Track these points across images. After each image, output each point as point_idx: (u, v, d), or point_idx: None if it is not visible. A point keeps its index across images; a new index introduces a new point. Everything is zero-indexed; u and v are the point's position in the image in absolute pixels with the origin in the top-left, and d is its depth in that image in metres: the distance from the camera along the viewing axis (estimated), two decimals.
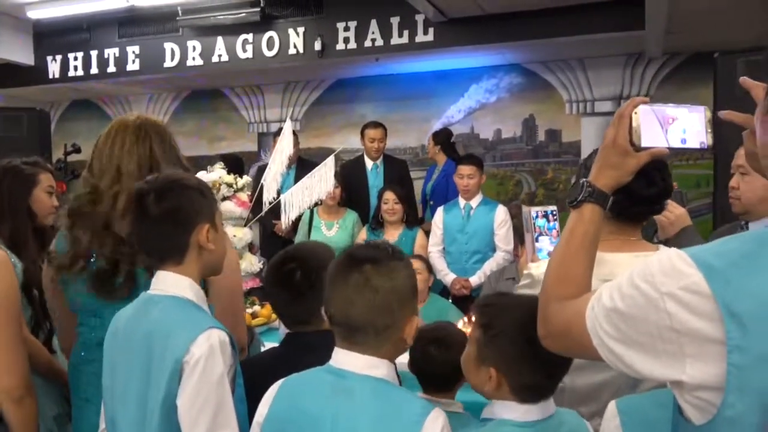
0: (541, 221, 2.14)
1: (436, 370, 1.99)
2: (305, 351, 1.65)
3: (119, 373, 1.48)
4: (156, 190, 1.48)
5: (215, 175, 3.79)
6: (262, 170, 4.17)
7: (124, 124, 1.86)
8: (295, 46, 6.35)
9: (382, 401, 1.29)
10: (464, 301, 4.32)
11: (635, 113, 1.23)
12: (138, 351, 1.42)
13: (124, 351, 1.47)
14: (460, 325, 3.38)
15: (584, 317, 1.07)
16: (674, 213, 2.37)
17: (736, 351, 0.86)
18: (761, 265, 0.88)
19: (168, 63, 6.88)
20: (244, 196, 3.88)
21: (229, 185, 3.81)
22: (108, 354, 1.53)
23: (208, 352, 1.37)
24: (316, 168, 3.93)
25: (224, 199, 3.82)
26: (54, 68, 7.37)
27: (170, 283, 1.49)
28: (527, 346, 1.31)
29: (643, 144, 1.22)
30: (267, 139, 7.67)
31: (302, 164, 5.28)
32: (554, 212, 2.15)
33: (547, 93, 6.71)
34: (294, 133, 5.63)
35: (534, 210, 2.17)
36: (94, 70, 7.22)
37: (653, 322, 0.94)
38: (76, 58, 7.26)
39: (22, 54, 7.29)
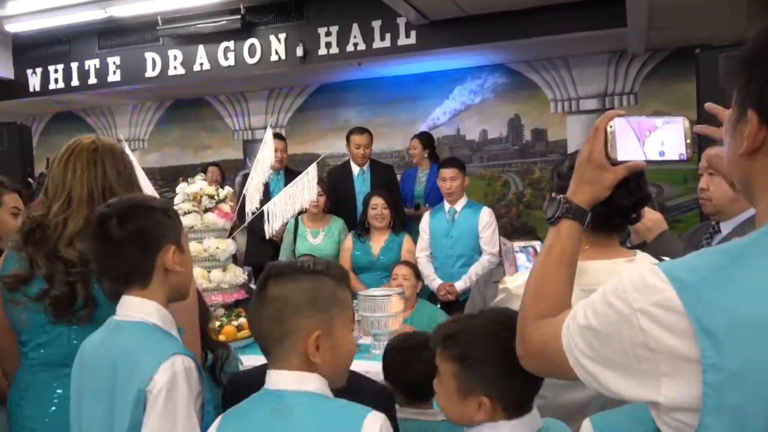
0: (521, 256, 2.12)
1: (407, 378, 1.97)
2: None
3: (86, 400, 1.44)
4: (119, 213, 1.45)
5: (196, 186, 3.74)
6: (245, 179, 4.13)
7: (78, 148, 1.83)
8: (277, 53, 6.32)
9: (319, 413, 1.27)
10: (452, 306, 4.28)
11: (610, 127, 1.20)
12: (103, 379, 1.38)
13: (90, 378, 1.43)
14: None
15: (560, 335, 1.04)
16: (651, 219, 2.37)
17: (711, 370, 0.82)
18: (733, 279, 0.85)
19: (149, 73, 6.83)
20: (226, 207, 3.83)
21: (211, 196, 3.76)
22: (75, 381, 1.49)
23: (171, 381, 1.33)
24: (299, 176, 3.89)
25: (206, 210, 3.77)
26: (34, 81, 7.31)
27: (136, 308, 1.45)
28: (511, 360, 1.26)
29: (620, 157, 1.19)
30: (252, 147, 7.63)
31: (290, 173, 5.23)
32: (537, 249, 2.13)
33: (531, 92, 6.70)
34: (282, 137, 5.58)
35: (517, 244, 2.16)
36: (74, 82, 7.17)
37: (627, 340, 0.90)
38: (56, 71, 7.21)
39: (2, 67, 7.24)
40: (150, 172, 8.27)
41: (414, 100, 6.99)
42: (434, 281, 4.46)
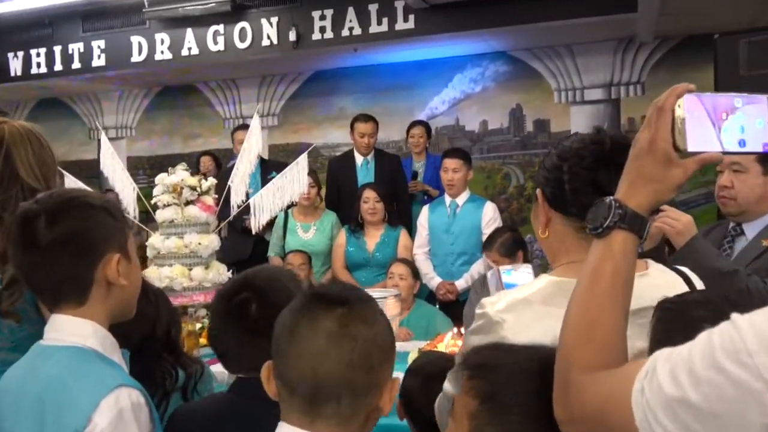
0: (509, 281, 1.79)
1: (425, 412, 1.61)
2: (257, 401, 1.33)
3: None
4: (48, 211, 1.15)
5: (177, 177, 3.46)
6: (229, 171, 3.85)
7: None
8: (268, 37, 6.02)
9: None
10: (452, 307, 4.02)
11: (678, 106, 0.91)
12: (28, 418, 1.11)
13: (13, 418, 1.15)
14: (449, 337, 3.10)
15: (629, 402, 0.76)
16: (681, 221, 2.06)
17: None
18: None
19: (135, 57, 6.53)
20: (209, 199, 3.56)
21: (193, 188, 3.49)
22: None
23: (116, 421, 1.06)
24: (288, 167, 3.62)
25: (187, 203, 3.50)
26: (16, 65, 7.00)
27: (68, 330, 1.17)
28: (545, 420, 0.96)
29: (690, 148, 0.90)
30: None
31: (265, 165, 4.92)
32: (529, 272, 1.82)
33: (534, 81, 6.42)
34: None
35: (504, 268, 1.84)
36: (58, 66, 6.87)
37: (752, 424, 0.64)
38: (38, 55, 6.90)
39: None
40: (138, 162, 8.03)
41: (412, 88, 6.70)
42: (433, 280, 4.20)
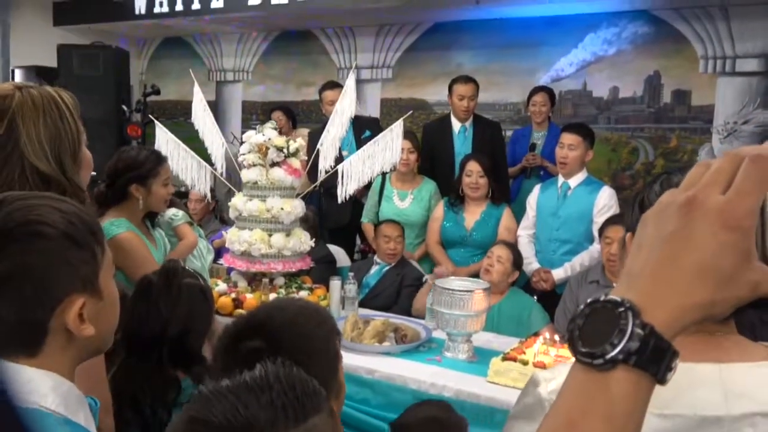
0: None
1: None
2: None
3: None
4: None
5: (261, 137, 3.25)
6: (319, 132, 3.59)
7: None
8: None
9: None
10: (549, 298, 3.63)
11: None
12: None
13: None
14: (539, 343, 2.74)
15: None
16: None
17: None
18: None
19: (252, 1, 6.38)
20: (296, 162, 3.33)
21: (280, 149, 3.27)
22: None
23: None
24: (381, 134, 3.32)
25: (273, 165, 3.29)
26: (140, 3, 7.06)
27: (21, 387, 0.91)
28: None
29: None
30: (358, 88, 7.06)
31: (358, 123, 4.53)
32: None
33: (677, 46, 5.67)
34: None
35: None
36: (179, 6, 6.85)
37: None
38: None
39: None
40: (252, 106, 8.01)
41: (537, 46, 6.13)
42: (531, 265, 3.80)
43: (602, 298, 0.59)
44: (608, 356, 0.56)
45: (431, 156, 4.47)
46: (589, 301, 0.60)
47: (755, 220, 0.55)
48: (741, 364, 0.86)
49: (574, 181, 3.79)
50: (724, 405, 0.82)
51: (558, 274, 3.72)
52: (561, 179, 3.85)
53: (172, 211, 3.23)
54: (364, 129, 4.68)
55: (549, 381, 0.93)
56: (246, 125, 7.61)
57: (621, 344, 0.56)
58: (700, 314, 0.57)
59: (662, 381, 0.57)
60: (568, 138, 3.81)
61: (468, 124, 4.57)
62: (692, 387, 0.80)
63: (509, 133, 5.49)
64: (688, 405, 0.81)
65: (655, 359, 0.56)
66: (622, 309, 0.57)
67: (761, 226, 0.56)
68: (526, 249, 3.84)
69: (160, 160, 2.77)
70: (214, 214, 5.53)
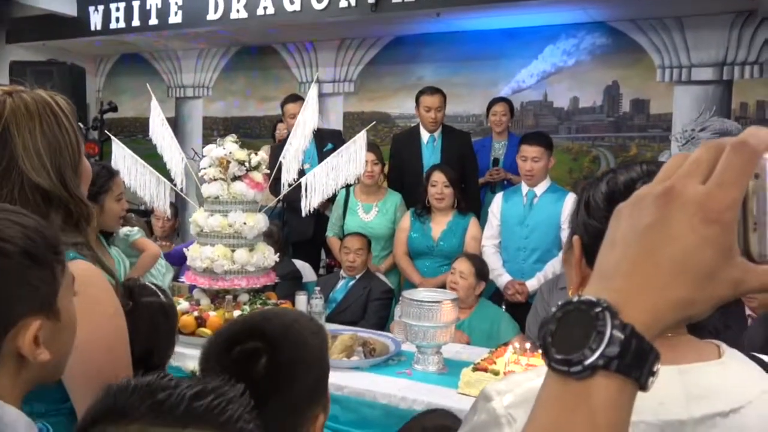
0: None
1: None
2: None
3: None
4: None
5: (222, 150, 3.18)
6: (280, 147, 3.53)
7: None
8: None
9: None
10: (520, 309, 3.61)
11: (756, 177, 0.51)
12: None
13: None
14: (509, 352, 2.71)
15: None
16: None
17: None
18: None
19: (212, 15, 6.31)
20: (258, 176, 3.26)
21: (241, 163, 3.20)
22: None
23: None
24: (345, 146, 3.28)
25: (234, 178, 3.22)
26: (96, 19, 6.93)
27: None
28: None
29: None
30: (320, 102, 7.00)
31: (320, 135, 4.47)
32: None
33: (635, 56, 5.77)
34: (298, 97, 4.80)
35: None
36: (135, 22, 6.74)
37: None
38: (118, 9, 6.80)
39: (64, 4, 6.88)
40: (213, 122, 7.90)
41: (497, 58, 6.17)
42: (501, 277, 3.78)
43: (575, 299, 0.55)
44: (587, 362, 0.51)
45: (400, 167, 4.44)
46: (560, 303, 0.56)
47: (736, 213, 0.51)
48: (697, 364, 0.84)
49: (540, 188, 3.80)
50: (686, 408, 0.81)
51: (532, 284, 3.70)
52: (525, 188, 3.85)
53: (125, 230, 3.15)
54: (326, 141, 4.64)
55: (503, 394, 0.87)
56: (207, 141, 7.48)
57: (600, 348, 0.51)
58: (681, 314, 0.53)
59: (644, 387, 0.53)
60: (530, 151, 3.81)
61: (437, 134, 4.56)
62: (654, 391, 0.77)
63: None
64: (650, 410, 0.79)
65: (637, 363, 0.52)
66: (598, 309, 0.52)
67: (743, 219, 0.52)
68: (492, 259, 3.82)
69: (111, 174, 2.69)
70: (176, 232, 5.41)
